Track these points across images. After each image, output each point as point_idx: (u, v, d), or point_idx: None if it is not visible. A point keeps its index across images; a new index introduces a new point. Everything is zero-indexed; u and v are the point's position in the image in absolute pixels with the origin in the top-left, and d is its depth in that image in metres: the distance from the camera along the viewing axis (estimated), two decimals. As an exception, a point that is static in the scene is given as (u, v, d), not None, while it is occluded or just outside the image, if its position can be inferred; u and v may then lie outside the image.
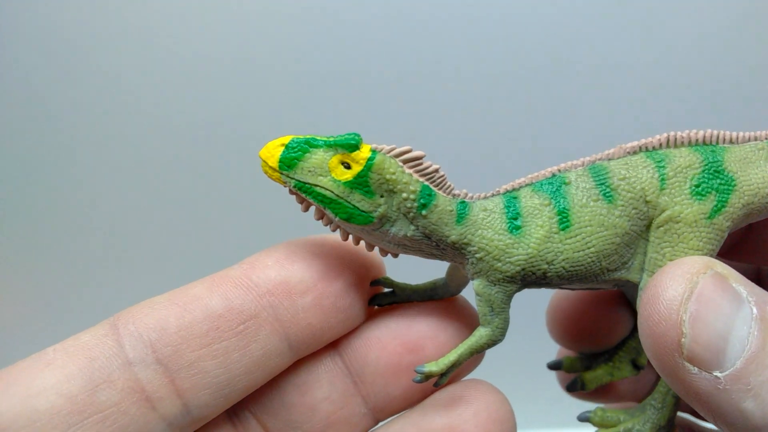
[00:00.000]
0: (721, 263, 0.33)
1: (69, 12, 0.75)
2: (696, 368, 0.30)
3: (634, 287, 0.38)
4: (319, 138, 0.34)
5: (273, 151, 0.34)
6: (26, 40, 0.76)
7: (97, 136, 0.79)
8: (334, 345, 0.38)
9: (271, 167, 0.34)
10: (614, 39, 0.77)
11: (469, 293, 0.40)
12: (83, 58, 0.77)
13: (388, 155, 0.34)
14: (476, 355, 0.37)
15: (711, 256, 0.36)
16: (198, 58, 0.78)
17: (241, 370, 0.34)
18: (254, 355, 0.34)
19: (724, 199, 0.36)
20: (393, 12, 0.76)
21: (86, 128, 0.79)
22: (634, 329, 0.46)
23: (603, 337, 0.46)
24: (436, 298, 0.41)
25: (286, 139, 0.34)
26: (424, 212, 0.35)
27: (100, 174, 0.81)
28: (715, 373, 0.29)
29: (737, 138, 0.37)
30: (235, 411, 0.37)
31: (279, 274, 0.35)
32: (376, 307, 0.40)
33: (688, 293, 0.31)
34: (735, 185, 0.36)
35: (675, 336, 0.30)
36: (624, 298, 0.46)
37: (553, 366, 0.48)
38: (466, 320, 0.39)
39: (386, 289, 0.40)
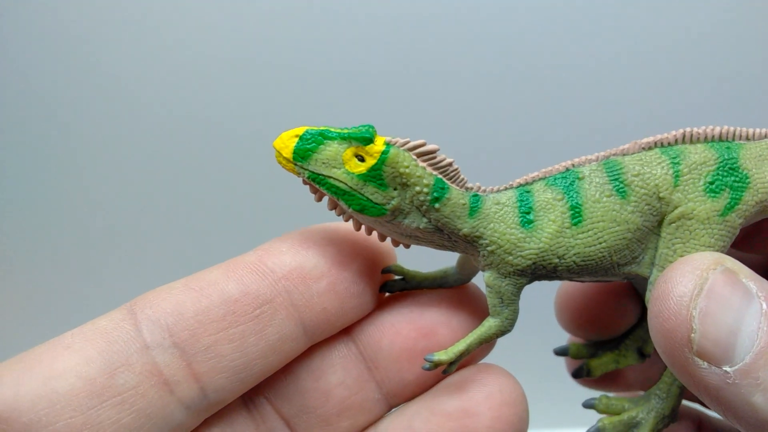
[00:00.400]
0: (731, 259, 0.33)
1: (69, 10, 0.74)
2: (705, 363, 0.30)
3: (644, 279, 0.38)
4: (333, 130, 0.34)
5: (287, 142, 0.34)
6: (26, 40, 0.75)
7: (113, 124, 0.79)
8: (347, 331, 0.39)
9: (285, 158, 0.34)
10: (631, 31, 0.76)
11: (480, 280, 0.40)
12: (82, 54, 0.76)
13: (402, 149, 0.34)
14: (486, 343, 0.38)
15: (722, 252, 0.36)
16: (208, 51, 0.77)
17: (257, 354, 0.34)
18: (270, 339, 0.34)
19: (737, 197, 0.36)
20: (406, 4, 0.75)
21: (103, 115, 0.79)
22: (641, 318, 0.46)
23: (610, 325, 0.46)
24: (446, 286, 0.41)
25: (300, 131, 0.34)
26: (436, 205, 0.35)
27: (115, 165, 0.81)
28: (724, 368, 0.30)
29: (754, 135, 0.37)
30: (250, 396, 0.38)
31: (294, 260, 0.36)
32: (387, 294, 0.41)
33: (698, 289, 0.31)
34: (749, 183, 0.36)
35: (685, 332, 0.30)
36: (632, 288, 0.46)
37: (560, 352, 0.48)
38: (478, 307, 0.40)
39: (397, 277, 0.41)
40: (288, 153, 0.34)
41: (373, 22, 0.76)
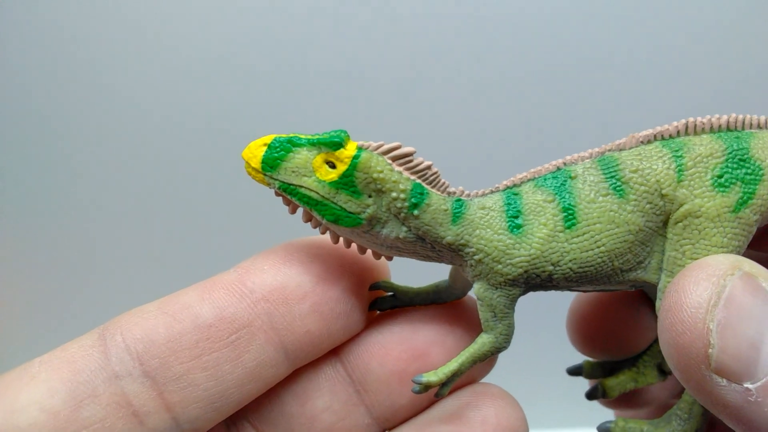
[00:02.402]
0: (750, 261, 0.30)
1: (64, 11, 0.75)
2: (725, 380, 0.28)
3: (654, 286, 0.35)
4: (302, 136, 0.33)
5: (255, 152, 0.33)
6: (25, 40, 0.76)
7: (89, 140, 0.79)
8: (335, 352, 0.37)
9: (254, 168, 0.33)
10: (624, 23, 0.72)
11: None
12: (75, 62, 0.77)
13: (376, 152, 0.32)
14: (483, 362, 0.35)
15: (737, 253, 0.33)
16: (188, 61, 0.77)
17: (233, 382, 0.33)
18: (247, 366, 0.33)
19: (750, 191, 0.32)
20: (386, 8, 0.73)
21: (78, 134, 0.79)
22: (660, 332, 0.43)
23: (628, 343, 0.43)
24: (441, 302, 0.38)
25: (269, 139, 0.33)
26: (415, 212, 0.32)
27: (94, 175, 0.81)
28: (746, 385, 0.27)
29: (766, 122, 0.34)
30: (233, 420, 0.36)
31: (275, 279, 0.34)
32: (377, 312, 0.38)
33: (714, 298, 0.28)
34: (763, 175, 0.32)
35: (701, 347, 0.28)
36: (649, 301, 0.42)
37: (573, 371, 0.45)
38: (475, 324, 0.37)
39: (387, 293, 0.38)
40: (256, 163, 0.33)
41: (358, 25, 0.74)
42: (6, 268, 0.83)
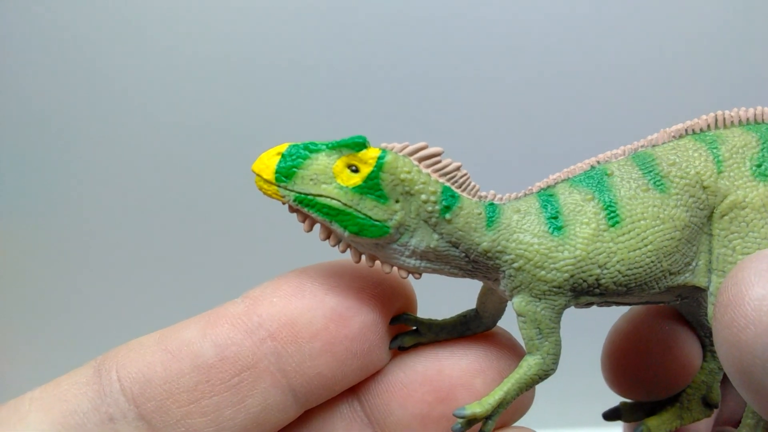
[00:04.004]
0: None
1: (64, 11, 0.74)
2: None
3: (697, 303, 0.32)
4: (319, 142, 0.30)
5: (268, 162, 0.30)
6: (24, 41, 0.74)
7: (91, 145, 0.77)
8: (352, 389, 0.34)
9: (266, 180, 0.30)
10: (640, 29, 0.73)
11: (509, 324, 0.34)
12: (76, 67, 0.75)
13: (401, 153, 0.30)
14: (525, 392, 0.31)
15: None
16: (194, 68, 0.75)
17: (236, 428, 0.30)
18: (251, 411, 0.30)
19: None
20: (404, 9, 0.73)
21: (79, 142, 0.77)
22: (703, 361, 0.39)
23: (673, 379, 0.39)
24: (469, 334, 0.35)
25: (282, 147, 0.30)
26: (448, 216, 0.30)
27: (99, 184, 0.78)
28: None
29: None
30: None
31: (284, 314, 0.31)
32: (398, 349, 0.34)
33: None
34: None
35: None
36: (689, 328, 0.39)
37: (610, 415, 0.41)
38: (509, 359, 0.34)
39: (410, 327, 0.34)
40: (269, 174, 0.30)
41: (373, 27, 0.73)
42: (8, 276, 0.80)
